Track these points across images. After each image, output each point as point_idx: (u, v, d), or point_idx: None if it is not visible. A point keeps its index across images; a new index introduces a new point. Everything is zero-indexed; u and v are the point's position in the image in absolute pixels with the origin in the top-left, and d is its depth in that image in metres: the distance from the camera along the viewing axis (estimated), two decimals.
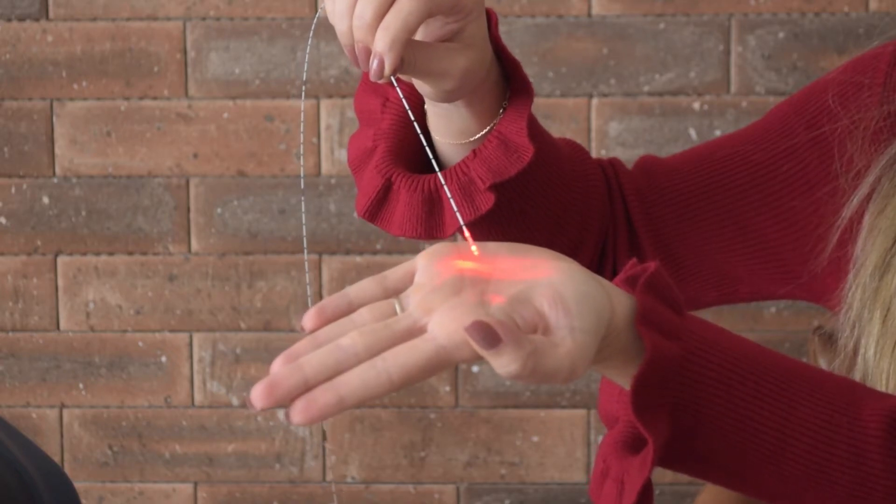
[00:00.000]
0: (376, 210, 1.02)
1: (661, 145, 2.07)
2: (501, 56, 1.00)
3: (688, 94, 2.06)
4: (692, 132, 2.07)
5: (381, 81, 0.90)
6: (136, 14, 2.10)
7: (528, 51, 2.07)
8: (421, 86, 0.96)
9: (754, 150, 1.11)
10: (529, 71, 2.07)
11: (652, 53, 2.06)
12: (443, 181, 0.98)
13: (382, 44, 0.88)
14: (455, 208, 0.98)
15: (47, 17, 2.11)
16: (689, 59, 2.06)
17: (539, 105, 2.07)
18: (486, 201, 1.00)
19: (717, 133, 2.06)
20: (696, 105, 2.06)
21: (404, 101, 0.96)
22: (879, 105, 1.06)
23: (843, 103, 1.07)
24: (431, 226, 1.01)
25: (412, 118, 0.96)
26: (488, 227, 1.05)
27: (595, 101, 2.08)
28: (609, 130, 2.07)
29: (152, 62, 2.11)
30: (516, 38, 2.07)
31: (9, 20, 2.11)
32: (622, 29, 2.06)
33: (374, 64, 0.88)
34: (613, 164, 1.15)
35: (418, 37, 0.94)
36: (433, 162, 0.95)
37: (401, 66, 0.89)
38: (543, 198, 1.06)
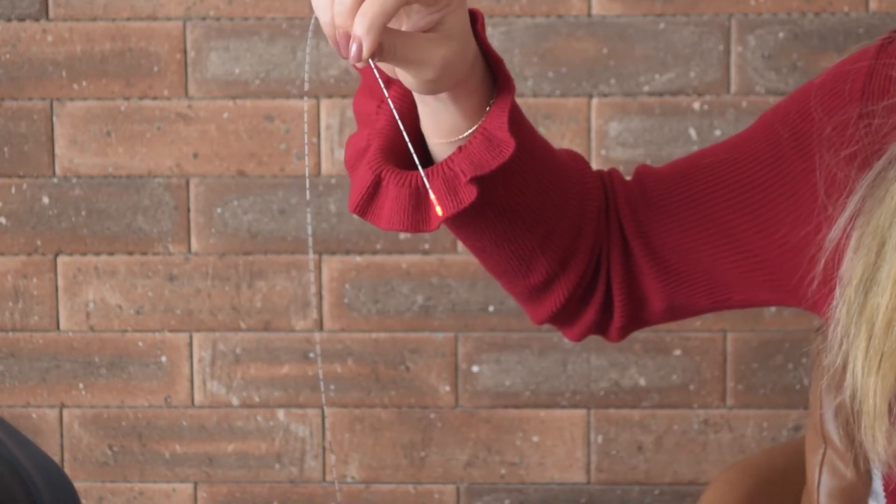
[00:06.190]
0: (367, 205, 1.05)
1: (661, 145, 2.07)
2: (487, 55, 1.03)
3: (688, 94, 2.06)
4: (692, 132, 2.07)
5: (359, 65, 0.95)
6: (136, 14, 2.10)
7: (528, 51, 2.07)
8: (403, 76, 1.00)
9: (740, 157, 1.12)
10: (529, 71, 2.07)
11: (652, 53, 2.06)
12: (423, 173, 1.02)
13: (360, 27, 0.91)
14: (433, 197, 1.02)
15: (47, 17, 2.11)
16: (688, 59, 2.06)
17: (539, 105, 2.07)
18: (469, 194, 1.02)
19: (717, 133, 2.06)
20: (696, 105, 2.06)
21: (384, 89, 1.01)
22: (858, 115, 1.06)
23: (825, 112, 1.09)
24: (417, 220, 1.04)
25: (392, 107, 1.01)
26: (477, 226, 1.09)
27: (595, 101, 2.08)
28: (609, 130, 2.07)
29: (152, 62, 2.11)
30: (516, 38, 2.07)
31: (9, 20, 2.11)
32: (622, 29, 2.06)
33: (353, 48, 0.92)
34: (612, 174, 1.18)
35: (402, 28, 0.98)
36: (409, 145, 1.01)
37: (380, 51, 0.93)
38: (533, 198, 1.08)
